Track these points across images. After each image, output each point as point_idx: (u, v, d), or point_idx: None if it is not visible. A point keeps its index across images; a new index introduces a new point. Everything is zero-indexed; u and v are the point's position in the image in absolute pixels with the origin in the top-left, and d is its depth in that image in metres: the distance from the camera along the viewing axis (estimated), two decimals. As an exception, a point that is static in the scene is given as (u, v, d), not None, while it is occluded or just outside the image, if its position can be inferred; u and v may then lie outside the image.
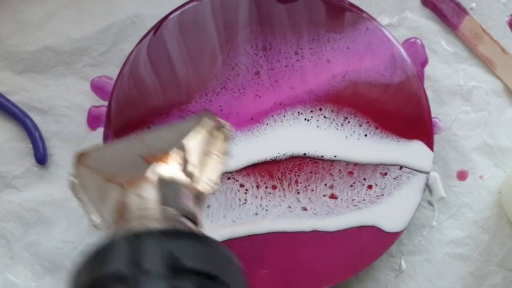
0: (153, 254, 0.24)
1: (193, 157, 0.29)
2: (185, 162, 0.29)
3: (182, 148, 0.29)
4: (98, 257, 0.25)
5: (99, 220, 0.30)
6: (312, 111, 0.43)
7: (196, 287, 0.24)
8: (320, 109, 0.43)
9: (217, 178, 0.30)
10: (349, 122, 0.42)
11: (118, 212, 0.28)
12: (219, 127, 0.31)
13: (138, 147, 0.30)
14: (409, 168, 0.42)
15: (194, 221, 0.28)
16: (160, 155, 0.29)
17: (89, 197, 0.30)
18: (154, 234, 0.25)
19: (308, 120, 0.43)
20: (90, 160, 0.30)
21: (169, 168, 0.29)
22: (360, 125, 0.42)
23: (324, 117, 0.43)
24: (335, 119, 0.42)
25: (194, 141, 0.30)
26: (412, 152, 0.42)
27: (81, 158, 0.30)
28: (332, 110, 0.43)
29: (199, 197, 0.30)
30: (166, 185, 0.28)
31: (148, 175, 0.28)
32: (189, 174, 0.29)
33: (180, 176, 0.29)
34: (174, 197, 0.28)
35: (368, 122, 0.42)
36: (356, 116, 0.42)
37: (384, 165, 0.42)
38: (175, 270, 0.24)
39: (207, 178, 0.30)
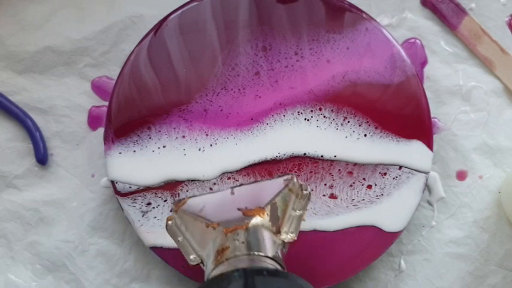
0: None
1: (280, 212, 0.36)
2: (274, 215, 0.36)
3: (274, 204, 0.36)
4: (215, 285, 0.30)
5: (193, 256, 0.36)
6: (312, 111, 0.43)
7: None
8: (320, 109, 0.43)
9: (297, 230, 0.37)
10: (348, 121, 0.43)
11: (219, 253, 0.34)
12: (302, 188, 0.37)
13: (231, 198, 0.38)
14: (408, 168, 0.42)
15: (280, 264, 0.33)
16: (256, 210, 0.36)
17: (186, 238, 0.37)
18: (260, 272, 0.30)
19: (308, 120, 0.43)
20: (189, 207, 0.37)
21: (263, 221, 0.35)
22: (360, 125, 0.42)
23: (324, 117, 0.43)
24: (335, 119, 0.43)
25: (282, 199, 0.36)
26: (411, 152, 0.42)
27: (180, 205, 0.37)
28: (332, 110, 0.43)
29: (284, 245, 0.36)
30: (257, 233, 0.35)
31: (246, 225, 0.35)
32: (277, 227, 0.36)
33: (269, 226, 0.35)
34: (262, 244, 0.34)
35: (368, 122, 0.42)
36: (356, 116, 0.43)
37: (384, 165, 0.42)
38: None
39: (290, 230, 0.36)
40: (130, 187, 0.42)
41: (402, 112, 0.43)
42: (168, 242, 0.42)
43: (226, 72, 0.43)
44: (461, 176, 0.45)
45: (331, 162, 0.43)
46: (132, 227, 0.43)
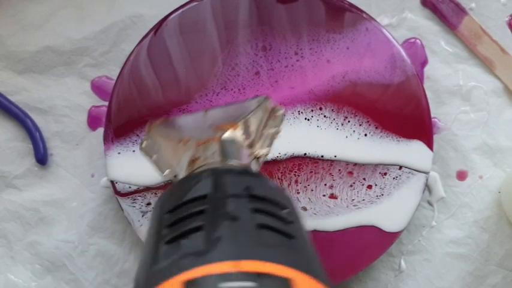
0: (234, 184, 0.29)
1: (253, 128, 0.36)
2: (247, 131, 0.36)
3: (246, 121, 0.36)
4: (184, 186, 0.30)
5: (168, 171, 0.36)
6: (312, 111, 0.43)
7: (271, 209, 0.28)
8: (320, 108, 0.43)
9: (270, 146, 0.37)
10: (349, 121, 0.43)
11: (190, 164, 0.34)
12: (275, 109, 0.38)
13: (204, 119, 0.38)
14: (408, 168, 0.42)
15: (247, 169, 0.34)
16: (228, 125, 0.35)
17: (159, 155, 0.37)
18: (230, 171, 0.31)
19: (308, 119, 0.43)
20: (161, 128, 0.38)
21: (235, 133, 0.35)
22: (360, 125, 0.42)
23: (324, 116, 0.43)
24: (335, 119, 0.43)
25: (255, 118, 0.37)
26: (411, 152, 0.42)
27: (153, 126, 0.38)
28: (332, 110, 0.43)
29: (257, 161, 0.36)
30: (230, 145, 0.35)
31: (218, 137, 0.35)
32: (250, 141, 0.36)
33: (242, 139, 0.35)
34: (235, 155, 0.34)
35: (368, 122, 0.42)
36: (356, 116, 0.43)
37: (384, 165, 0.42)
38: (252, 197, 0.28)
39: (263, 145, 0.37)
40: (130, 187, 0.42)
41: (402, 112, 0.43)
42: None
43: (226, 72, 0.43)
44: (461, 176, 0.45)
45: (331, 162, 0.42)
46: (132, 227, 0.43)
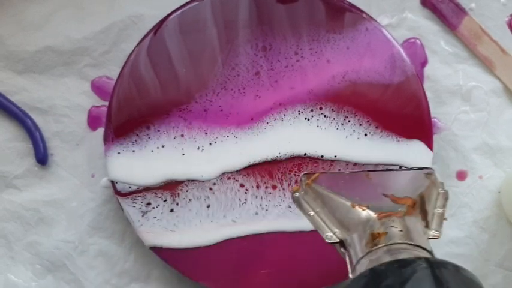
0: (455, 282, 0.28)
1: (428, 206, 0.35)
2: (424, 210, 0.34)
3: (422, 197, 0.35)
4: (396, 274, 0.28)
5: (337, 232, 0.34)
6: (312, 110, 0.43)
7: None
8: (320, 108, 0.43)
9: (440, 229, 0.35)
10: (349, 121, 0.43)
11: (373, 237, 0.32)
12: (441, 185, 0.36)
13: (369, 183, 0.36)
14: (408, 168, 0.42)
15: (432, 254, 0.32)
16: (407, 199, 0.34)
17: (320, 213, 0.35)
18: (444, 265, 0.29)
19: (308, 119, 0.43)
20: (323, 182, 0.36)
21: (416, 211, 0.34)
22: (360, 124, 0.42)
23: (325, 116, 0.43)
24: (335, 118, 0.43)
25: (428, 194, 0.35)
26: (411, 152, 0.42)
27: (312, 178, 0.36)
28: (332, 109, 0.43)
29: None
30: (413, 224, 0.33)
31: (401, 212, 0.33)
32: (427, 221, 0.34)
33: (420, 218, 0.34)
34: (418, 236, 0.33)
35: (368, 122, 0.42)
36: (356, 115, 0.43)
37: (384, 165, 0.42)
38: None
39: (433, 227, 0.35)
40: (130, 187, 0.42)
41: (402, 112, 0.43)
42: (167, 242, 0.42)
43: (226, 72, 0.43)
44: (461, 176, 0.45)
45: (331, 162, 0.42)
46: (132, 227, 0.43)
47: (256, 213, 0.42)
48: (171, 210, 0.42)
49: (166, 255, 0.42)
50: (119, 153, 0.42)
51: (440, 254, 0.45)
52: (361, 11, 0.43)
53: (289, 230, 0.42)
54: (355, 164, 0.42)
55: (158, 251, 0.42)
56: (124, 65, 0.43)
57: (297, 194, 0.36)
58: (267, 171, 0.42)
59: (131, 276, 0.45)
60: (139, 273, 0.45)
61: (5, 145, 0.45)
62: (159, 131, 0.42)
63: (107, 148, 0.42)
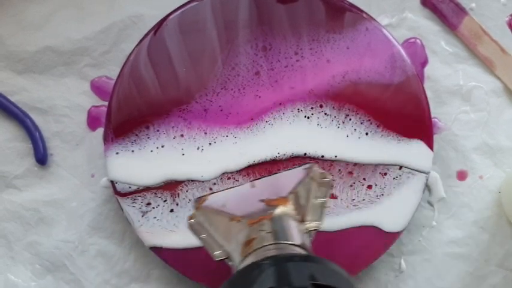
0: (298, 274, 0.29)
1: (303, 200, 0.36)
2: (298, 204, 0.36)
3: (296, 194, 0.36)
4: (247, 278, 0.29)
5: (220, 252, 0.36)
6: (312, 108, 0.43)
7: None
8: (321, 106, 0.43)
9: (321, 218, 0.37)
10: (350, 119, 0.42)
11: (246, 245, 0.33)
12: (323, 176, 0.38)
13: (251, 192, 0.38)
14: (408, 168, 0.42)
15: (309, 251, 0.34)
16: (278, 200, 0.36)
17: (210, 234, 0.37)
18: (292, 258, 0.30)
19: (308, 117, 0.43)
20: (210, 203, 0.38)
21: (287, 210, 0.35)
22: (361, 123, 0.42)
23: (325, 114, 0.43)
24: (336, 116, 0.43)
25: (304, 188, 0.36)
26: (412, 151, 0.42)
27: (201, 202, 0.38)
28: (333, 107, 0.43)
29: (309, 234, 0.36)
30: (282, 222, 0.35)
31: (270, 214, 0.35)
32: (302, 215, 0.36)
33: (294, 215, 0.35)
34: (289, 233, 0.34)
35: (369, 120, 0.42)
36: (357, 114, 0.42)
37: (384, 165, 0.42)
38: (316, 286, 0.28)
39: (314, 218, 0.36)
40: (130, 187, 0.42)
41: (402, 112, 0.43)
42: (167, 242, 0.42)
43: (226, 72, 0.43)
44: (461, 176, 0.45)
45: (332, 162, 0.42)
46: (132, 227, 0.43)
47: (256, 213, 0.42)
48: (171, 210, 0.42)
49: (166, 255, 0.42)
50: (118, 153, 0.42)
51: (440, 254, 0.45)
52: (361, 11, 0.43)
53: (289, 230, 0.42)
54: (355, 164, 0.42)
55: (158, 251, 0.42)
56: (124, 65, 0.43)
57: (192, 221, 0.38)
58: (267, 171, 0.42)
59: (131, 276, 0.45)
60: (139, 273, 0.45)
61: (5, 145, 0.45)
62: (158, 130, 0.42)
63: (106, 148, 0.42)
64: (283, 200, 0.36)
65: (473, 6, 0.46)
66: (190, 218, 0.37)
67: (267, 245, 0.33)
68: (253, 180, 0.38)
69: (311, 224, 0.36)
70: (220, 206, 0.37)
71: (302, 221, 0.36)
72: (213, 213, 0.37)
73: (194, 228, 0.37)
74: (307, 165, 0.38)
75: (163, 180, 0.42)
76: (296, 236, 0.34)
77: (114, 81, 0.43)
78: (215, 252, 0.36)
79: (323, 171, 0.38)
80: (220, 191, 0.38)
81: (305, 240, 0.34)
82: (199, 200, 0.38)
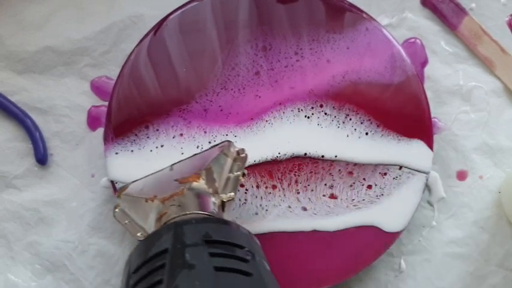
0: (192, 233, 0.31)
1: (217, 175, 0.38)
2: (210, 179, 0.37)
3: (208, 169, 0.37)
4: (147, 244, 0.32)
5: (140, 234, 0.38)
6: (312, 108, 0.43)
7: (225, 251, 0.31)
8: (321, 105, 0.43)
9: (235, 190, 0.39)
10: (350, 119, 0.42)
11: (158, 221, 0.35)
12: (238, 152, 0.39)
13: (170, 175, 0.39)
14: (408, 168, 0.42)
15: (212, 215, 0.36)
16: (191, 177, 0.37)
17: (131, 219, 0.38)
18: (189, 222, 0.33)
19: (309, 117, 0.43)
20: (130, 190, 0.39)
21: (199, 185, 0.37)
22: (362, 123, 0.42)
23: (325, 114, 0.43)
24: (336, 116, 0.43)
25: (218, 164, 0.38)
26: (412, 151, 0.42)
27: (122, 191, 0.39)
28: (333, 107, 0.43)
29: (224, 204, 0.38)
30: (193, 196, 0.36)
31: (181, 190, 0.36)
32: (214, 188, 0.37)
33: (205, 188, 0.37)
34: (199, 205, 0.36)
35: (369, 120, 0.42)
36: (358, 113, 0.43)
37: (384, 165, 0.42)
38: (209, 242, 0.31)
39: (228, 190, 0.38)
40: (130, 187, 0.42)
41: (402, 112, 0.43)
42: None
43: (226, 72, 0.43)
44: (461, 176, 0.45)
45: (332, 162, 0.42)
46: (132, 227, 0.43)
47: (256, 213, 0.42)
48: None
49: (166, 255, 0.42)
50: (117, 153, 0.42)
51: (440, 254, 0.45)
52: (361, 11, 0.43)
53: (289, 230, 0.42)
54: (355, 164, 0.42)
55: (158, 251, 0.42)
56: (124, 65, 0.43)
57: (116, 210, 0.39)
58: (267, 171, 0.42)
59: (131, 276, 0.45)
60: (139, 273, 0.45)
61: (5, 145, 0.45)
62: (157, 130, 0.42)
63: (106, 148, 0.42)
64: (195, 176, 0.37)
65: (473, 6, 0.46)
66: (115, 207, 0.39)
67: (175, 217, 0.34)
68: (173, 164, 0.40)
69: (225, 195, 0.38)
70: (138, 191, 0.38)
71: (215, 193, 0.37)
72: (133, 199, 0.38)
73: (119, 217, 0.39)
74: (222, 144, 0.39)
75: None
76: (206, 207, 0.36)
77: (114, 81, 0.43)
78: (137, 234, 0.38)
79: (238, 148, 0.39)
80: (140, 178, 0.40)
81: (218, 210, 0.36)
82: (120, 189, 0.39)
